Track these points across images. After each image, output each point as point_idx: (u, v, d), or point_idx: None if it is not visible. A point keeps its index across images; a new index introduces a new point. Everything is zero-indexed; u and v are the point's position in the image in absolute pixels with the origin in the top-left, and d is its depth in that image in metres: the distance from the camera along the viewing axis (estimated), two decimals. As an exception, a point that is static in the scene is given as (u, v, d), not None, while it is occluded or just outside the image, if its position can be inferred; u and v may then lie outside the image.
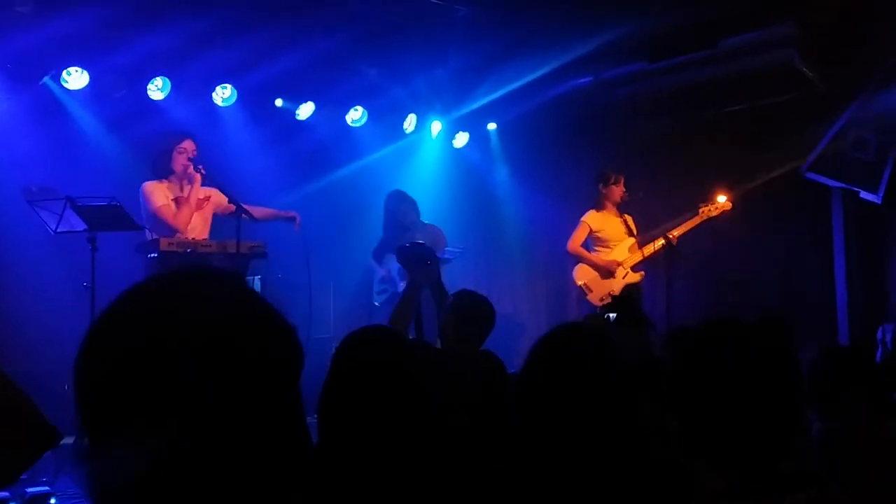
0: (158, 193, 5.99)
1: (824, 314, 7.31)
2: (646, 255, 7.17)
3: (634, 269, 7.24)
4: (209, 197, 6.16)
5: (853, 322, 7.12)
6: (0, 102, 6.78)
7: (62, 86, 7.00)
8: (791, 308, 7.40)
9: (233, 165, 7.23)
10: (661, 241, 7.06)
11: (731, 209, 7.08)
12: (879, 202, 7.02)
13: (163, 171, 6.11)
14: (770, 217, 7.77)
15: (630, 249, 7.24)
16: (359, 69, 8.04)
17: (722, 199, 7.10)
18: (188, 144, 6.08)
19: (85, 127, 7.25)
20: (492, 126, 9.28)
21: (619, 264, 7.17)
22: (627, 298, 6.46)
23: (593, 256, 7.27)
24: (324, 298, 8.02)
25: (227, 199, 6.06)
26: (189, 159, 6.03)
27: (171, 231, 5.92)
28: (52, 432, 2.88)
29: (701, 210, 7.08)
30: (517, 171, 9.36)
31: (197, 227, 6.04)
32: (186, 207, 6.01)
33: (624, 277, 7.20)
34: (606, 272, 7.20)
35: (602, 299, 7.18)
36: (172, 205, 6.01)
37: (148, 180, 6.14)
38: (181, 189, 6.11)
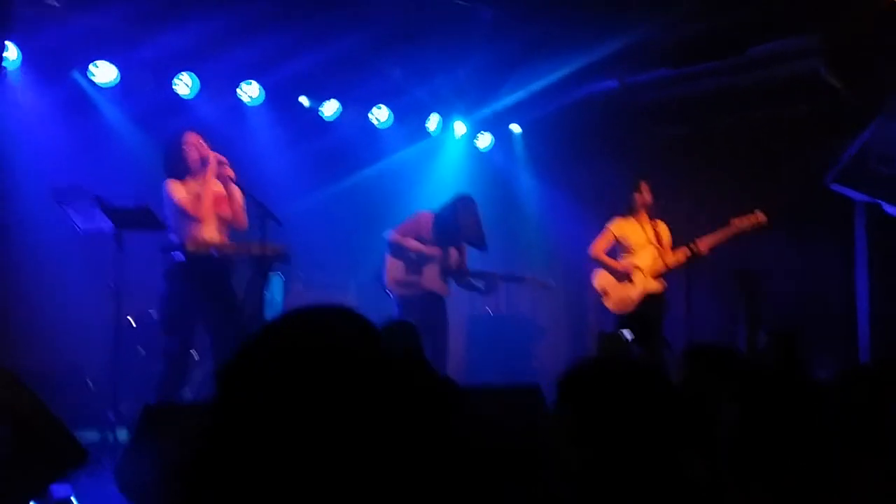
0: (179, 188, 5.91)
1: (846, 328, 7.29)
2: (668, 264, 7.09)
3: (656, 277, 7.17)
4: (229, 196, 6.02)
5: (875, 337, 7.09)
6: (29, 96, 6.82)
7: (90, 80, 7.04)
8: (811, 321, 7.38)
9: (258, 163, 7.28)
10: (685, 252, 6.98)
11: (765, 223, 6.95)
12: (904, 216, 6.98)
13: (179, 171, 5.93)
14: (792, 228, 7.73)
15: (653, 257, 7.17)
16: (383, 69, 8.06)
17: (757, 212, 6.97)
18: (192, 138, 5.93)
19: (113, 122, 7.30)
20: (515, 127, 9.27)
21: (637, 269, 7.12)
22: (644, 316, 6.43)
23: (612, 262, 7.24)
24: (345, 298, 8.07)
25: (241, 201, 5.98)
26: (200, 153, 5.92)
27: (193, 225, 5.87)
28: (81, 453, 2.94)
29: (733, 222, 6.97)
30: (540, 173, 9.36)
31: (214, 237, 5.96)
32: (206, 194, 5.85)
33: (644, 285, 7.14)
34: (625, 277, 7.17)
35: (619, 305, 7.15)
36: (191, 198, 5.88)
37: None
38: (202, 186, 5.97)
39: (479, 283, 7.16)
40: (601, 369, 2.03)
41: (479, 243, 7.00)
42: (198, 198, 5.83)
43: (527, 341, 8.91)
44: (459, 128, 9.05)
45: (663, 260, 7.07)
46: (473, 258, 7.27)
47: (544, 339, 8.99)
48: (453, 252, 6.99)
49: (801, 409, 2.74)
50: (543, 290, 8.29)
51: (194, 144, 5.90)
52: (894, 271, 7.33)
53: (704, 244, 6.92)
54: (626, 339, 5.69)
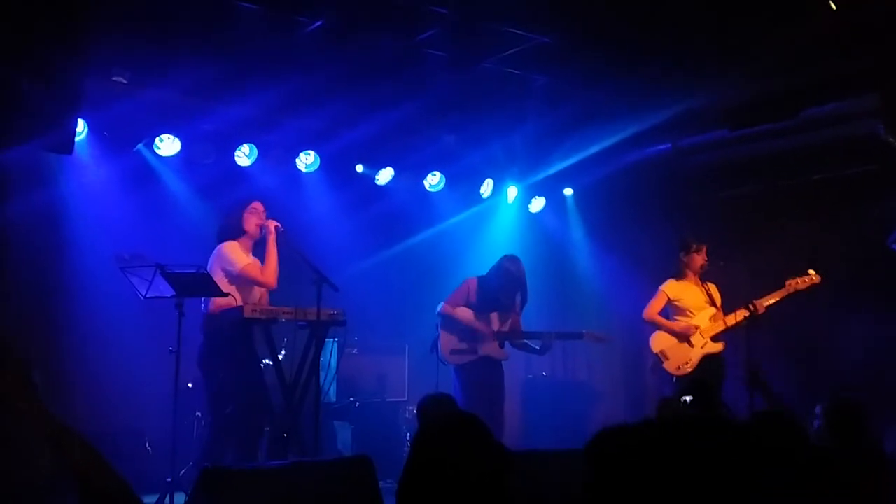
0: (239, 253, 5.99)
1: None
2: (728, 325, 6.98)
3: (715, 339, 7.07)
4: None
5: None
6: (96, 169, 7.08)
7: (154, 152, 7.28)
8: (876, 387, 7.17)
9: (314, 230, 7.41)
10: (744, 312, 6.89)
11: (820, 283, 6.88)
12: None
13: (234, 233, 6.06)
14: (855, 290, 7.57)
15: (712, 319, 7.08)
16: (437, 135, 8.20)
17: (811, 272, 6.90)
18: (258, 205, 6.10)
19: (175, 193, 7.54)
20: (568, 191, 9.31)
21: (697, 329, 7.04)
22: (704, 381, 6.31)
23: (670, 323, 7.15)
24: (398, 362, 8.10)
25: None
26: (261, 221, 6.06)
27: (254, 290, 5.97)
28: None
29: (788, 283, 6.88)
30: (593, 236, 9.35)
31: (260, 297, 6.05)
32: (271, 261, 5.97)
33: (703, 347, 7.03)
34: (684, 339, 7.08)
35: (679, 368, 7.03)
36: (257, 262, 6.02)
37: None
38: (252, 249, 6.09)
39: (535, 344, 7.12)
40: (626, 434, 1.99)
41: (524, 298, 6.99)
42: (256, 263, 5.97)
43: (583, 405, 8.80)
44: (512, 192, 9.11)
45: (723, 321, 6.98)
46: (529, 321, 7.25)
47: (602, 403, 8.88)
48: (507, 315, 6.98)
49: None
50: (600, 353, 8.20)
51: (256, 211, 6.05)
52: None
53: (761, 304, 6.83)
54: (687, 404, 5.59)
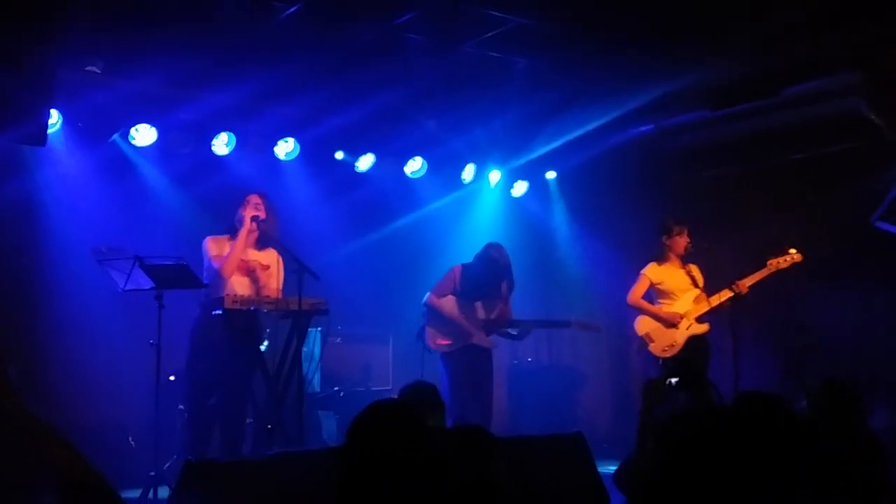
0: (215, 246, 6.08)
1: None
2: (712, 305, 7.02)
3: (699, 320, 7.08)
4: (269, 267, 6.14)
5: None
6: (71, 160, 6.96)
7: (130, 143, 7.17)
8: (862, 362, 7.20)
9: (294, 218, 7.32)
10: (727, 293, 6.91)
11: (801, 261, 6.91)
12: (952, 253, 6.82)
13: (229, 227, 6.16)
14: (838, 268, 7.58)
15: (695, 300, 7.08)
16: (418, 121, 8.12)
17: (792, 251, 6.94)
18: (252, 197, 6.13)
19: (152, 183, 7.43)
20: (551, 175, 9.26)
21: (681, 317, 7.05)
22: (689, 361, 6.32)
23: (654, 308, 7.15)
24: (382, 351, 8.05)
25: (281, 268, 6.09)
26: (252, 213, 6.05)
27: (226, 281, 5.96)
28: None
29: (769, 262, 6.91)
30: (576, 220, 9.32)
31: (246, 289, 6.03)
32: (232, 252, 6.00)
33: (688, 328, 7.05)
34: (669, 324, 7.09)
35: (664, 350, 7.05)
36: (228, 256, 6.01)
37: (212, 234, 6.21)
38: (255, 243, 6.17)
39: (513, 330, 7.08)
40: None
41: (510, 285, 6.94)
42: (231, 256, 5.96)
43: (569, 389, 8.80)
44: (494, 176, 9.05)
45: (707, 302, 6.99)
46: (513, 305, 7.20)
47: (587, 387, 8.87)
48: (493, 303, 6.92)
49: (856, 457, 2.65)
50: (586, 337, 8.17)
51: (248, 203, 6.07)
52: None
53: (744, 284, 6.85)
54: (673, 385, 5.58)
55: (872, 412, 6.04)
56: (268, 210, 6.12)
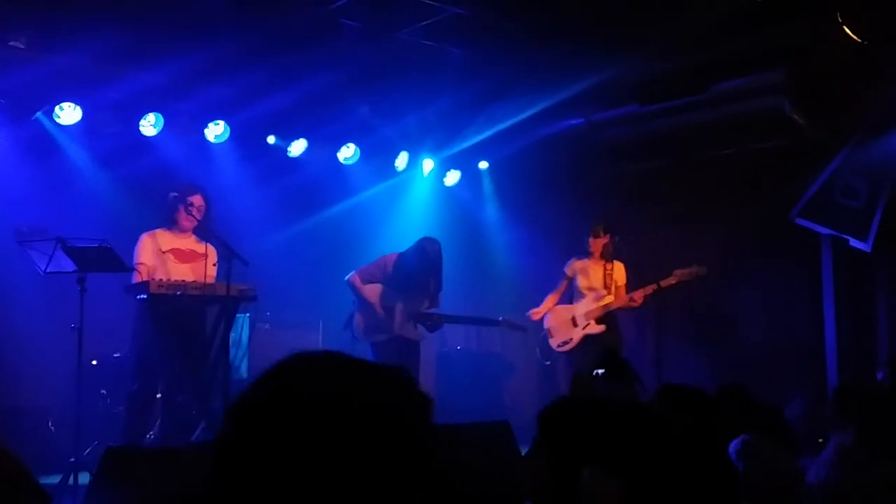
0: (146, 249, 6.05)
1: (813, 360, 7.33)
2: (614, 307, 7.24)
3: (597, 321, 7.28)
4: (206, 255, 6.13)
5: (842, 368, 7.12)
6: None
7: (54, 121, 6.97)
8: (780, 353, 7.43)
9: (224, 202, 7.22)
10: (643, 293, 7.11)
11: (706, 275, 7.08)
12: (869, 250, 7.06)
13: (168, 221, 6.16)
14: (759, 262, 7.81)
15: (597, 300, 7.30)
16: (351, 107, 8.07)
17: (695, 265, 7.07)
18: (196, 199, 6.12)
19: (77, 163, 7.25)
20: (483, 165, 9.31)
21: (575, 316, 7.32)
22: (617, 353, 6.46)
23: (554, 307, 7.47)
24: (312, 337, 8.00)
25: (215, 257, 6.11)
26: (192, 214, 6.05)
27: (194, 267, 6.04)
28: (44, 497, 2.88)
29: (675, 272, 7.08)
30: (508, 210, 9.38)
31: (189, 276, 5.99)
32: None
33: (584, 328, 7.33)
34: (567, 320, 7.36)
35: (559, 345, 7.42)
36: (148, 267, 6.00)
37: (152, 228, 6.17)
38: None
39: (426, 322, 7.10)
40: (579, 407, 2.07)
41: (437, 285, 6.97)
42: (174, 255, 6.03)
43: (498, 377, 8.89)
44: (428, 165, 9.06)
45: (612, 303, 7.15)
46: (444, 296, 7.23)
47: (515, 375, 8.96)
48: (420, 297, 6.93)
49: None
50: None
51: (196, 207, 6.07)
52: (860, 303, 7.40)
53: (639, 295, 7.13)
54: (599, 377, 5.70)
55: (788, 401, 6.25)
56: (208, 206, 6.13)
